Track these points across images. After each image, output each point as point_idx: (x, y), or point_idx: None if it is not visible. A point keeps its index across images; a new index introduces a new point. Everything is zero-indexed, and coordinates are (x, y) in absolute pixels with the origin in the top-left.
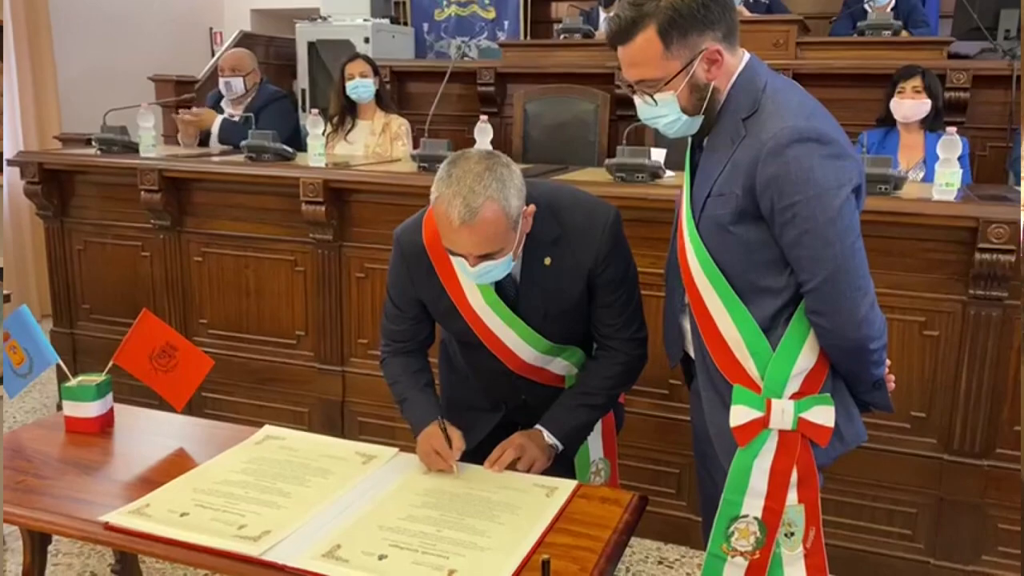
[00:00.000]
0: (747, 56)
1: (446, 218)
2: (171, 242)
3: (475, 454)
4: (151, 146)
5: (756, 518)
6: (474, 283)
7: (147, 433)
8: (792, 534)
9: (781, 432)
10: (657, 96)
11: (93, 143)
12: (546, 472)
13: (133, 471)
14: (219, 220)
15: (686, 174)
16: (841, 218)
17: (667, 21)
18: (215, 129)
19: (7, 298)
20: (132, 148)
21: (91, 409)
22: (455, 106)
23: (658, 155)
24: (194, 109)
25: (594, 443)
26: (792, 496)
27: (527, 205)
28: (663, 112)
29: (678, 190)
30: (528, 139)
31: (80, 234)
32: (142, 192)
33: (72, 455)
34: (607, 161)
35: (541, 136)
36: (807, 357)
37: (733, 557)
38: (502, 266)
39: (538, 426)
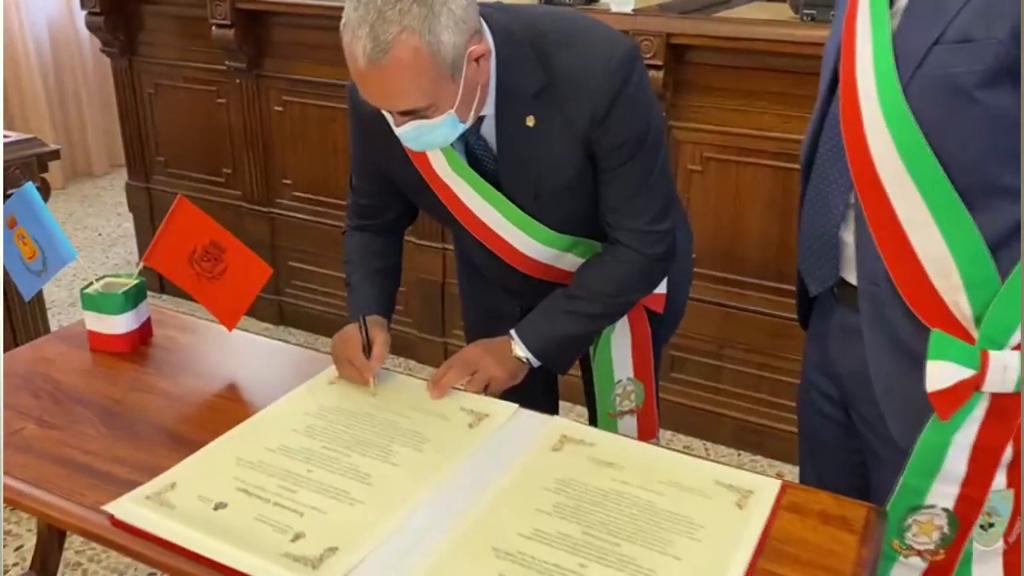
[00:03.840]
0: None
1: (351, 55)
2: (248, 87)
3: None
4: None
5: (946, 509)
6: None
7: (191, 357)
8: (991, 525)
9: (995, 395)
10: None
11: None
12: (532, 394)
13: (164, 419)
14: (301, 63)
15: (875, 7)
16: None
17: None
18: None
19: (56, 154)
20: None
21: (118, 324)
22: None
23: None
24: None
25: (620, 358)
26: (1000, 479)
27: (477, 42)
28: None
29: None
30: None
31: (150, 75)
32: (213, 27)
33: (91, 389)
34: None
35: None
36: None
37: (907, 557)
38: (441, 128)
39: (511, 332)
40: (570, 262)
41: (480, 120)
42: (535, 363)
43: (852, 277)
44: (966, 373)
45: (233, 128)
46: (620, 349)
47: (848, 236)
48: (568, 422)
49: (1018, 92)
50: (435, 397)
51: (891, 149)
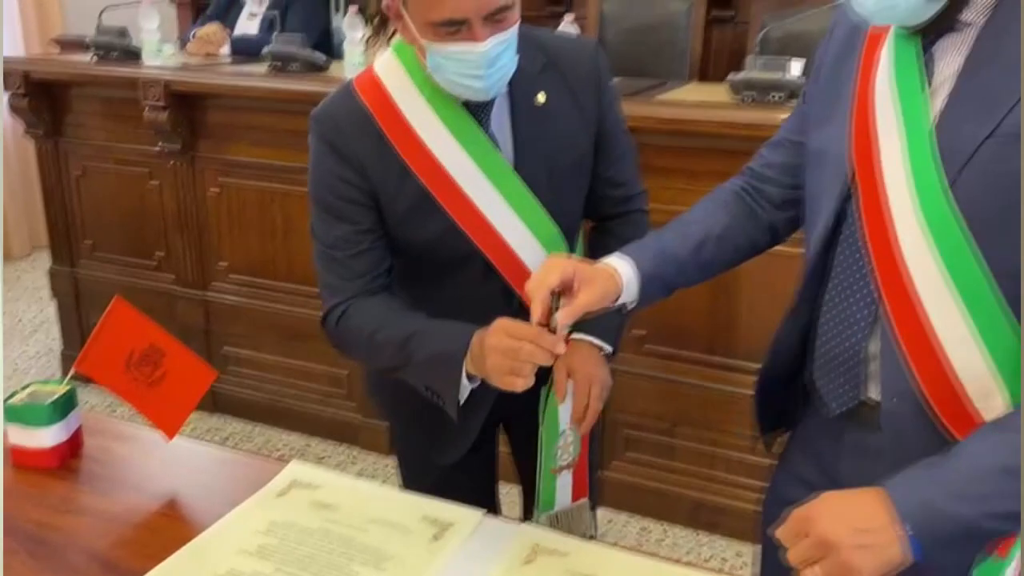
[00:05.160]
0: None
1: None
2: (183, 169)
3: (465, 470)
4: (155, 52)
5: None
6: (457, 133)
7: (126, 470)
8: None
9: None
10: None
11: (89, 47)
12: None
13: (98, 544)
14: (238, 144)
15: (908, 101)
16: None
17: None
18: (226, 50)
19: None
20: (134, 54)
21: (46, 437)
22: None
23: (796, 68)
24: (197, 32)
25: (564, 406)
26: None
27: None
28: None
29: (822, 123)
30: (605, 46)
31: (78, 157)
32: (146, 109)
33: (15, 514)
34: (732, 76)
35: (621, 43)
36: None
37: None
38: (509, 50)
39: (579, 335)
40: None
41: (490, 113)
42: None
43: (874, 392)
44: None
45: (166, 210)
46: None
47: (875, 348)
48: (540, 530)
49: None
50: (585, 431)
51: (931, 261)
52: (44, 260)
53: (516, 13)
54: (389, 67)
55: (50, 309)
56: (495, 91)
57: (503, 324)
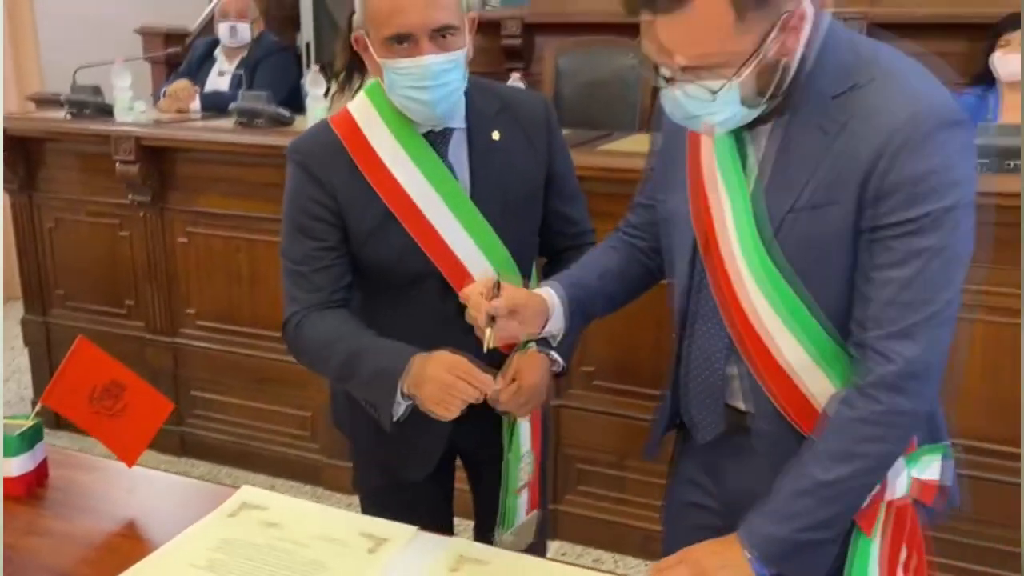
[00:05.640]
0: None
1: None
2: (152, 220)
3: (424, 500)
4: (127, 109)
5: None
6: (419, 161)
7: (89, 497)
8: None
9: (890, 503)
10: (720, 90)
11: (63, 105)
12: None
13: (60, 562)
14: (206, 195)
15: (729, 179)
16: (970, 239)
17: None
18: (196, 105)
19: None
20: (106, 111)
21: (13, 466)
22: (477, 61)
23: None
24: (167, 89)
25: (525, 430)
26: None
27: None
28: (716, 108)
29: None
30: (560, 100)
31: (51, 210)
32: (117, 163)
33: None
34: None
35: (575, 96)
36: None
37: None
38: (455, 71)
39: (534, 346)
40: None
41: (448, 146)
42: (564, 366)
43: (742, 404)
44: (876, 488)
45: (136, 260)
46: (526, 421)
47: (734, 371)
48: (467, 542)
49: (859, 248)
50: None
51: (766, 306)
52: (17, 311)
53: (462, 39)
54: (361, 105)
55: (22, 358)
56: (441, 109)
57: (443, 357)
